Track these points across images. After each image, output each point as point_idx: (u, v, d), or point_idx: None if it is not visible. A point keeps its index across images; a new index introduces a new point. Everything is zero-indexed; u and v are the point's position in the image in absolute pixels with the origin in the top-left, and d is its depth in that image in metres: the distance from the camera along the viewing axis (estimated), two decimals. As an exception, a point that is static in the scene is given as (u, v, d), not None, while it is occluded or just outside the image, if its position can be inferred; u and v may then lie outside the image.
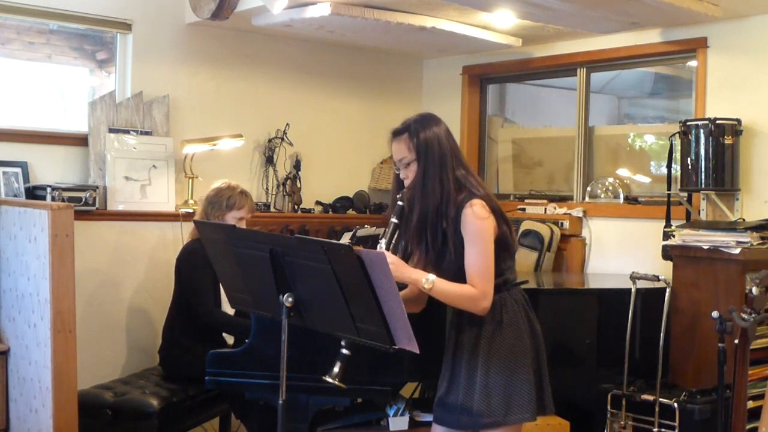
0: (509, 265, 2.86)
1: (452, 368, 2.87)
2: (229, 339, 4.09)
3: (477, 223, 2.70)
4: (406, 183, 2.81)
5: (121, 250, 4.52)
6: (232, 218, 3.97)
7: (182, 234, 4.48)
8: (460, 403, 2.79)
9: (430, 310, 3.00)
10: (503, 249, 2.79)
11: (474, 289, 2.69)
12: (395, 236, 2.79)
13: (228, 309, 3.99)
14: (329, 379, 2.60)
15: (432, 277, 2.69)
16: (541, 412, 2.80)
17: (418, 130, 2.77)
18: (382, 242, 2.78)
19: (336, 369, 2.61)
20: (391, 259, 2.68)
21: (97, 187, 4.38)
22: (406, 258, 2.83)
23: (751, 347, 3.49)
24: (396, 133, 2.83)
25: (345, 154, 5.64)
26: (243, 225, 4.03)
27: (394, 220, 2.79)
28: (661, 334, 3.83)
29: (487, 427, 2.76)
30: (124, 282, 4.55)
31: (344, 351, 2.64)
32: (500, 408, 2.73)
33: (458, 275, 2.73)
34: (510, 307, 2.80)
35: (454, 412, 2.82)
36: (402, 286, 2.79)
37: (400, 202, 2.79)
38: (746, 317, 3.31)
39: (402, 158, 2.80)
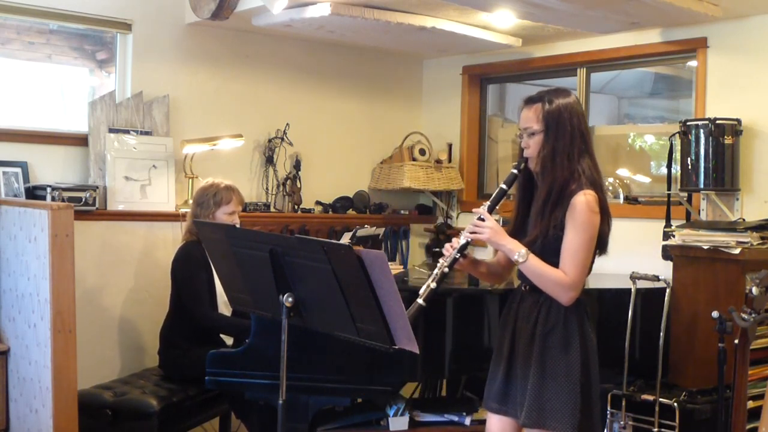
0: (590, 269, 2.82)
1: (509, 360, 2.83)
2: (228, 339, 4.09)
3: (588, 214, 2.67)
4: (526, 153, 2.79)
5: (121, 250, 4.52)
6: (222, 214, 3.97)
7: (182, 234, 4.47)
8: (518, 397, 2.77)
9: (430, 309, 3.00)
10: (598, 247, 2.77)
11: (566, 277, 2.68)
12: (500, 202, 2.80)
13: (224, 310, 4.03)
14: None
15: (526, 251, 2.69)
16: (584, 430, 2.71)
17: (551, 103, 2.75)
18: (486, 205, 2.78)
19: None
20: (491, 223, 2.72)
21: (97, 187, 4.38)
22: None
23: (751, 347, 3.49)
24: (529, 101, 2.81)
25: (345, 154, 5.64)
26: (236, 219, 4.03)
27: (503, 186, 2.80)
28: (661, 334, 3.83)
29: (527, 426, 2.76)
30: (124, 282, 4.55)
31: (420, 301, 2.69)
32: (540, 411, 2.70)
33: (544, 257, 2.71)
34: (569, 314, 2.75)
35: (512, 404, 2.80)
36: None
37: (514, 171, 2.80)
38: (746, 317, 3.31)
39: (528, 127, 2.78)
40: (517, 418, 2.80)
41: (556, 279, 2.69)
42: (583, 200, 2.67)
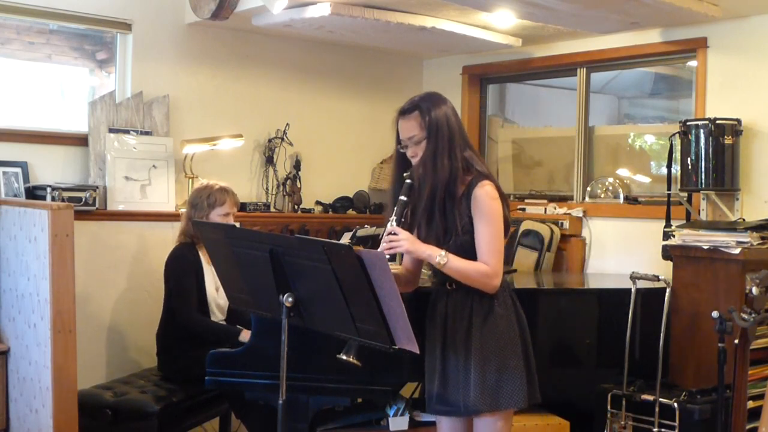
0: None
1: (443, 360, 2.88)
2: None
3: (490, 203, 2.77)
4: (414, 161, 2.84)
5: (121, 250, 4.52)
6: (216, 216, 3.94)
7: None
8: (459, 392, 2.81)
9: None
10: (505, 231, 2.84)
11: (487, 267, 2.75)
12: (405, 213, 2.83)
13: (217, 314, 4.02)
14: (343, 357, 2.65)
15: (445, 252, 2.74)
16: (532, 400, 2.84)
17: (430, 109, 2.83)
18: (393, 219, 2.81)
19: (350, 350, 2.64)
20: (405, 235, 2.76)
21: (97, 187, 4.38)
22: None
23: (751, 347, 3.50)
24: (405, 112, 2.87)
25: (345, 154, 5.64)
26: (230, 220, 4.01)
27: (402, 197, 2.83)
28: (661, 334, 3.82)
29: (482, 413, 2.80)
30: (124, 282, 4.55)
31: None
32: (493, 395, 2.77)
33: (460, 253, 2.77)
34: (500, 295, 2.84)
35: (454, 402, 2.83)
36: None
37: (408, 180, 2.83)
38: (746, 317, 3.32)
39: (412, 136, 2.82)
40: (460, 414, 2.85)
41: (479, 272, 2.76)
42: (483, 192, 2.77)
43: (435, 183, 2.78)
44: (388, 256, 2.74)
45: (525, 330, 2.89)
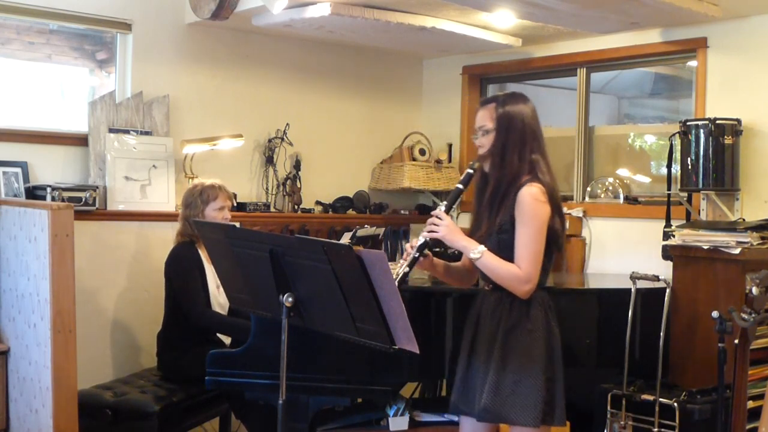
0: (548, 266, 2.85)
1: (468, 360, 2.86)
2: (226, 339, 4.09)
3: (534, 204, 2.72)
4: (479, 152, 2.85)
5: (121, 250, 4.52)
6: (212, 211, 3.98)
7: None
8: (476, 395, 2.79)
9: (431, 309, 3.00)
10: (551, 243, 2.79)
11: (519, 270, 2.72)
12: (456, 201, 2.85)
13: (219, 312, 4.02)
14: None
15: (482, 248, 2.73)
16: (548, 422, 2.74)
17: (505, 103, 2.83)
18: (442, 205, 2.83)
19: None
20: (447, 221, 2.77)
21: (97, 187, 4.38)
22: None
23: (751, 347, 3.49)
24: (485, 102, 2.89)
25: (345, 154, 5.64)
26: (226, 214, 4.05)
27: (459, 185, 2.84)
28: (661, 334, 3.82)
29: (489, 422, 2.78)
30: (124, 282, 4.55)
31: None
32: (503, 407, 2.72)
33: (498, 251, 2.75)
34: (533, 309, 2.78)
35: (471, 404, 2.82)
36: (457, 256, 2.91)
37: (469, 170, 2.84)
38: (746, 317, 3.31)
39: (482, 125, 2.84)
40: (474, 416, 2.82)
41: (510, 273, 2.73)
42: (528, 192, 2.73)
43: (500, 177, 2.78)
44: (423, 240, 2.77)
45: (554, 350, 2.79)
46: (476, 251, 2.73)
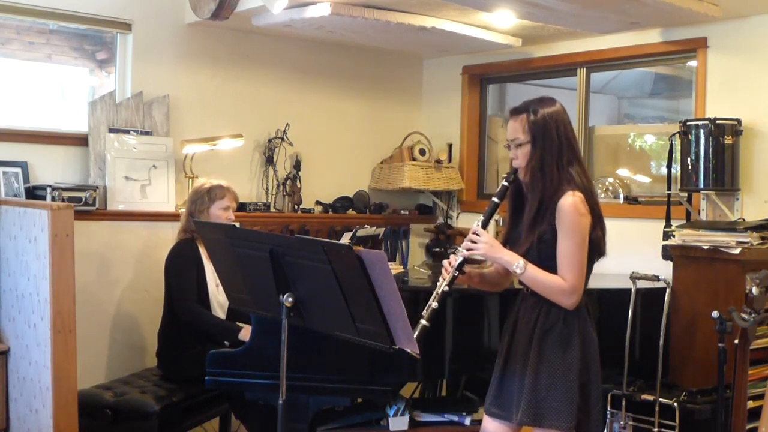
0: (589, 273, 2.82)
1: (505, 363, 2.85)
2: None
3: (574, 217, 2.68)
4: (514, 164, 2.80)
5: (121, 250, 4.52)
6: (217, 209, 4.02)
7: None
8: (513, 399, 2.78)
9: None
10: (593, 252, 2.76)
11: (565, 283, 2.69)
12: (493, 215, 2.82)
13: (219, 312, 4.02)
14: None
15: (523, 262, 2.70)
16: (583, 428, 2.71)
17: (537, 113, 2.76)
18: (480, 219, 2.80)
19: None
20: (486, 237, 2.74)
21: (97, 187, 4.38)
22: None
23: (751, 347, 3.50)
24: (515, 111, 2.82)
25: (345, 154, 5.64)
26: (231, 214, 4.08)
27: (495, 199, 2.82)
28: (661, 334, 3.83)
29: (528, 425, 2.76)
30: (124, 282, 4.55)
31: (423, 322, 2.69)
32: (539, 409, 2.70)
33: (539, 263, 2.72)
34: (570, 315, 2.75)
35: (507, 407, 2.80)
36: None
37: (505, 183, 2.81)
38: (746, 317, 3.32)
39: (515, 138, 2.78)
40: (512, 421, 2.79)
41: (556, 286, 2.70)
42: (569, 202, 2.68)
43: (542, 192, 2.72)
44: (462, 259, 2.74)
45: (590, 356, 2.76)
46: (519, 266, 2.70)
